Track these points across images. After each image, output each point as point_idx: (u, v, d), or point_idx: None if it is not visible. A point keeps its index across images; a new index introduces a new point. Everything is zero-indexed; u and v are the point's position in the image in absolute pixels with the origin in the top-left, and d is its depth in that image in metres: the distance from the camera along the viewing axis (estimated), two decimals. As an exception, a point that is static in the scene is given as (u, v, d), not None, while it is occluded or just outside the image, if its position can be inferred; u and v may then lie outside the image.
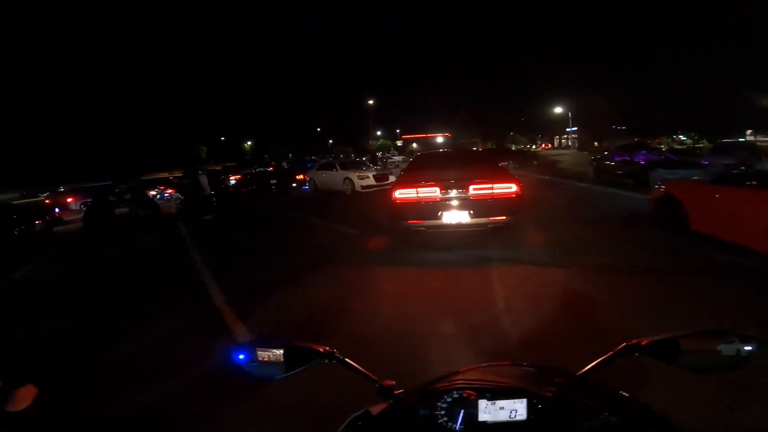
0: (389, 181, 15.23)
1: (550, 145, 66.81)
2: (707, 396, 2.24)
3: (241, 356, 0.92)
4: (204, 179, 11.50)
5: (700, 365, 0.81)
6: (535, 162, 24.28)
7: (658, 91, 42.21)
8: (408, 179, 6.24)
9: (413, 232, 6.27)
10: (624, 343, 0.85)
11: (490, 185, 5.61)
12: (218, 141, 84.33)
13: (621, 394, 0.89)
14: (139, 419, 2.62)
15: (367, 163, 17.19)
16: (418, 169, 6.81)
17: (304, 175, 18.83)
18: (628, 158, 13.48)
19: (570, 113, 55.09)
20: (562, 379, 0.88)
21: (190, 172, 11.30)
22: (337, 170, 15.94)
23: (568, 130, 59.66)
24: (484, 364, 0.97)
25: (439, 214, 5.66)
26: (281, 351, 0.89)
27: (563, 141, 66.63)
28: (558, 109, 54.45)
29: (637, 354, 0.83)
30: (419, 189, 5.80)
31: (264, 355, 0.90)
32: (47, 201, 22.35)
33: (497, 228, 5.88)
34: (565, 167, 22.49)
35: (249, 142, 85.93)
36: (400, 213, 5.97)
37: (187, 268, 6.49)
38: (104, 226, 11.33)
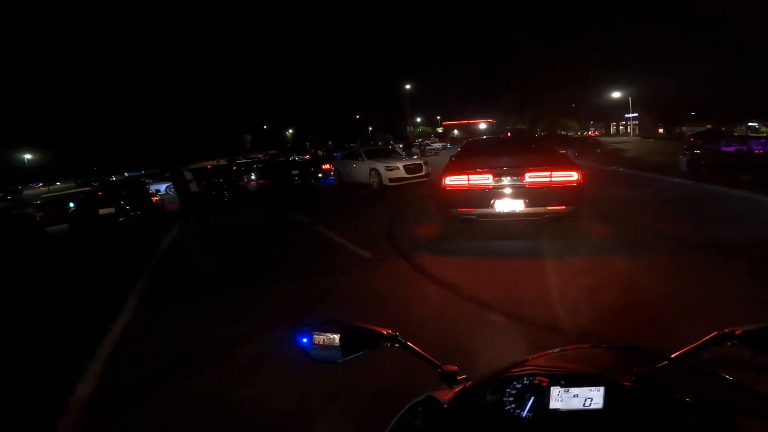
0: (424, 172, 12.55)
1: (597, 132, 60.54)
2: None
3: (304, 340, 0.89)
4: (188, 175, 9.34)
5: None
6: (598, 150, 20.50)
7: (739, 74, 35.62)
8: (459, 165, 5.86)
9: (463, 221, 5.86)
10: (716, 332, 0.77)
11: (549, 173, 5.22)
12: (261, 130, 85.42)
13: (720, 375, 0.75)
14: None
15: (399, 151, 14.51)
16: (470, 156, 6.48)
17: (330, 165, 16.56)
18: (744, 148, 9.99)
19: (630, 98, 49.05)
20: (647, 366, 0.78)
21: (174, 169, 9.15)
22: (362, 160, 13.46)
23: (627, 116, 53.66)
24: (558, 349, 0.86)
25: (492, 202, 5.35)
26: (339, 334, 0.87)
27: (620, 127, 60.34)
28: (616, 94, 48.60)
29: (729, 343, 0.75)
30: (471, 176, 5.47)
31: (321, 338, 0.87)
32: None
33: (554, 218, 5.45)
34: (637, 156, 18.65)
35: (290, 131, 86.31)
36: (450, 200, 5.65)
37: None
38: (87, 231, 9.61)
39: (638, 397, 0.72)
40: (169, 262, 6.54)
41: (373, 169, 12.66)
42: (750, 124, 45.74)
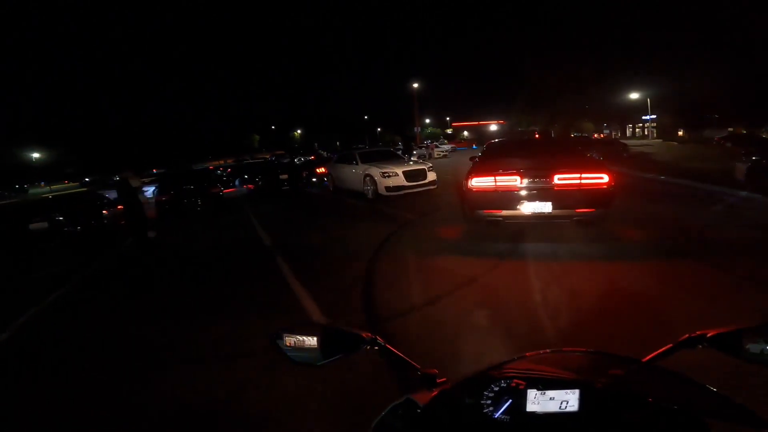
0: (428, 179, 10.45)
1: (613, 134, 57.46)
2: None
3: (281, 343, 0.87)
4: (136, 182, 7.32)
5: (765, 359, 0.73)
6: (625, 154, 18.12)
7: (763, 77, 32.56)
8: (485, 167, 5.67)
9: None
10: (687, 334, 0.79)
11: (578, 174, 5.04)
12: (270, 130, 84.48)
13: (691, 379, 0.76)
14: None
15: (400, 153, 12.44)
16: (495, 157, 6.37)
17: (325, 169, 14.55)
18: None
19: (649, 99, 46.21)
20: (620, 370, 0.83)
21: (122, 175, 7.11)
22: (356, 164, 11.41)
23: (645, 118, 50.81)
24: (537, 352, 0.89)
25: (519, 204, 5.18)
26: (316, 337, 0.85)
27: (636, 130, 57.39)
28: (634, 95, 45.77)
29: (700, 346, 0.78)
30: (497, 177, 5.30)
31: (300, 340, 0.85)
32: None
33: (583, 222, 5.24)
34: (672, 161, 16.25)
35: (299, 131, 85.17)
36: (476, 202, 5.50)
37: None
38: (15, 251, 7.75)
39: (612, 400, 0.72)
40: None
41: (367, 175, 10.60)
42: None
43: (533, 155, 6.01)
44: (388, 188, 10.08)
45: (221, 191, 11.86)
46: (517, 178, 5.20)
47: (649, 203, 8.06)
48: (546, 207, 5.09)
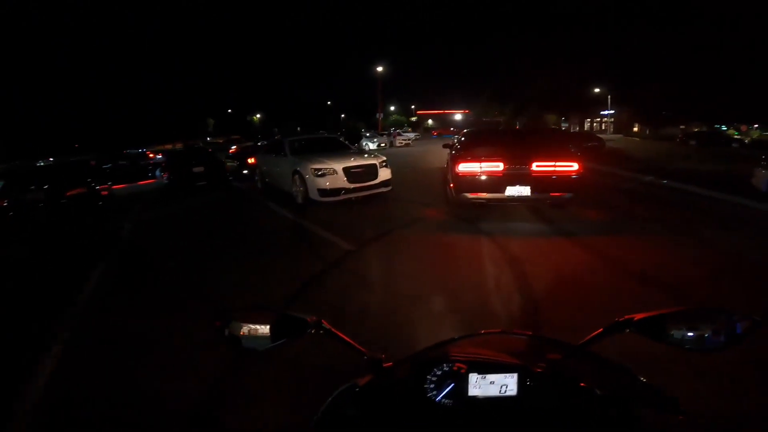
0: (379, 179, 7.67)
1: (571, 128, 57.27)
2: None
3: (227, 328, 0.82)
4: None
5: (689, 343, 0.73)
6: (602, 150, 16.14)
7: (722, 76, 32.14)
8: (470, 154, 5.98)
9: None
10: (616, 319, 0.79)
11: (553, 162, 5.54)
12: (226, 114, 78.50)
13: (621, 366, 0.81)
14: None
15: (346, 143, 9.45)
16: (476, 145, 6.60)
17: (254, 160, 11.38)
18: None
19: (610, 95, 45.68)
20: (556, 353, 0.83)
21: None
22: (285, 156, 8.42)
23: (603, 112, 50.64)
24: (479, 332, 0.89)
25: (501, 187, 5.58)
26: (264, 323, 0.81)
27: (594, 124, 57.37)
28: (596, 90, 45.07)
29: (628, 330, 0.76)
30: (483, 163, 5.64)
31: (254, 329, 0.81)
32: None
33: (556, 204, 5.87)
34: (656, 159, 14.43)
35: (258, 115, 79.79)
36: (462, 186, 5.76)
37: None
38: None
39: (548, 384, 0.74)
40: None
41: (296, 171, 7.67)
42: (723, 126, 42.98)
43: (513, 144, 6.57)
44: (322, 191, 7.21)
45: (94, 191, 8.41)
46: (501, 164, 5.56)
47: (683, 222, 5.77)
48: (525, 190, 5.52)
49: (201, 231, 6.80)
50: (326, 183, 7.17)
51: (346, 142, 9.73)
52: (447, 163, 7.90)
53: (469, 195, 5.70)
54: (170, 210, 9.09)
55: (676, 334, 0.72)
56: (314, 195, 7.25)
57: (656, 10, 33.15)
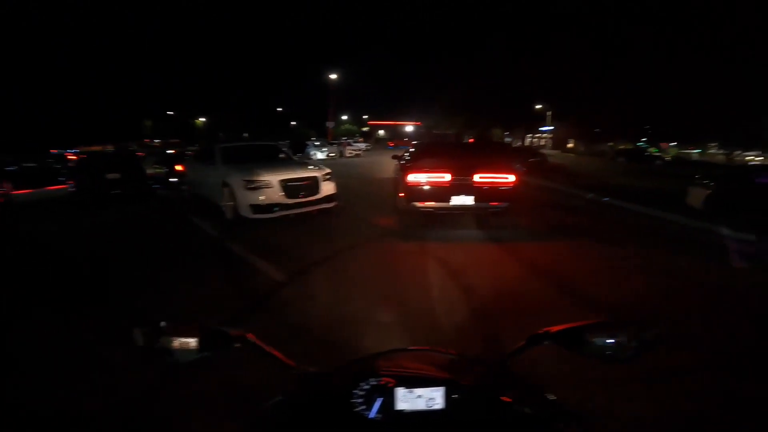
0: (322, 194, 6.89)
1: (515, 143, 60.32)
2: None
3: (150, 341, 0.79)
4: None
5: (602, 354, 0.76)
6: (545, 164, 16.60)
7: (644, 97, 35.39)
8: (420, 165, 6.26)
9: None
10: (535, 332, 0.82)
11: (493, 174, 5.95)
12: (166, 116, 73.30)
13: (533, 384, 0.84)
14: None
15: (287, 151, 8.52)
16: (425, 157, 6.89)
17: (183, 167, 10.07)
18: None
19: (551, 111, 48.46)
20: (480, 368, 0.87)
21: None
22: (215, 165, 7.36)
23: (542, 129, 53.65)
24: (406, 348, 0.94)
25: (448, 197, 5.88)
26: (191, 336, 0.78)
27: (534, 140, 60.71)
28: (538, 105, 47.60)
29: (546, 342, 0.80)
30: (432, 174, 5.92)
31: (185, 343, 0.78)
32: None
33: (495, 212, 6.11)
34: (594, 175, 15.02)
35: (203, 119, 75.51)
36: (412, 195, 6.01)
37: None
38: None
39: (473, 397, 0.74)
40: None
41: (226, 183, 6.66)
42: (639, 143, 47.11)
43: (458, 156, 6.90)
44: (254, 206, 6.29)
45: None
46: (448, 175, 5.92)
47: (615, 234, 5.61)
48: (469, 200, 5.92)
49: (89, 254, 5.50)
50: (259, 197, 6.26)
51: (288, 151, 8.84)
52: (395, 174, 8.34)
53: (419, 204, 5.96)
54: (66, 224, 7.59)
55: (591, 345, 0.76)
56: (245, 211, 6.31)
57: (591, 39, 35.79)
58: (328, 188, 7.03)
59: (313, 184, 6.80)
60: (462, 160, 6.34)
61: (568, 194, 10.24)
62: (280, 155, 8.33)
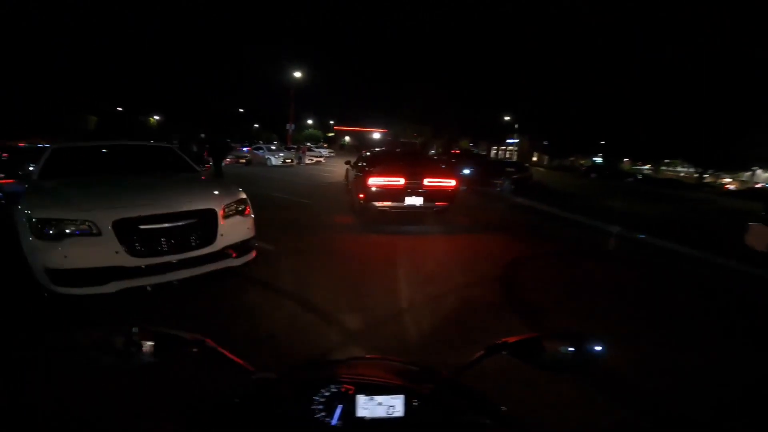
0: (220, 243, 3.76)
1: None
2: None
3: (99, 345, 0.74)
4: None
5: (552, 365, 0.77)
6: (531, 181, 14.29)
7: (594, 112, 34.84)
8: (378, 171, 6.95)
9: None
10: (492, 343, 0.81)
11: (438, 179, 6.90)
12: (114, 112, 65.97)
13: (482, 394, 0.83)
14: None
15: (186, 159, 5.32)
16: (380, 163, 7.53)
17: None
18: None
19: (517, 124, 47.56)
20: (437, 377, 0.86)
21: None
22: (29, 185, 4.07)
23: (509, 141, 52.81)
24: (363, 357, 0.92)
25: (402, 198, 6.73)
26: (148, 340, 0.74)
27: (500, 152, 60.08)
28: (506, 117, 46.51)
29: (504, 353, 0.80)
30: (389, 178, 6.72)
31: (124, 342, 0.74)
32: None
33: (439, 211, 7.15)
34: (585, 195, 12.81)
35: (156, 117, 69.03)
36: (371, 196, 6.75)
37: None
38: None
39: (431, 405, 0.73)
40: None
41: (25, 224, 3.39)
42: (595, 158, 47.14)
43: (408, 163, 7.60)
44: (57, 274, 3.09)
45: None
46: (402, 179, 6.72)
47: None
48: (419, 200, 6.78)
49: None
50: (72, 255, 3.08)
51: (187, 159, 5.58)
52: (348, 179, 9.30)
53: (377, 204, 6.75)
54: None
55: (542, 357, 0.77)
56: (44, 280, 3.11)
57: (558, 57, 35.18)
58: (234, 230, 3.95)
59: (200, 225, 3.69)
60: (413, 167, 7.09)
61: (581, 225, 7.77)
62: (171, 166, 5.12)
